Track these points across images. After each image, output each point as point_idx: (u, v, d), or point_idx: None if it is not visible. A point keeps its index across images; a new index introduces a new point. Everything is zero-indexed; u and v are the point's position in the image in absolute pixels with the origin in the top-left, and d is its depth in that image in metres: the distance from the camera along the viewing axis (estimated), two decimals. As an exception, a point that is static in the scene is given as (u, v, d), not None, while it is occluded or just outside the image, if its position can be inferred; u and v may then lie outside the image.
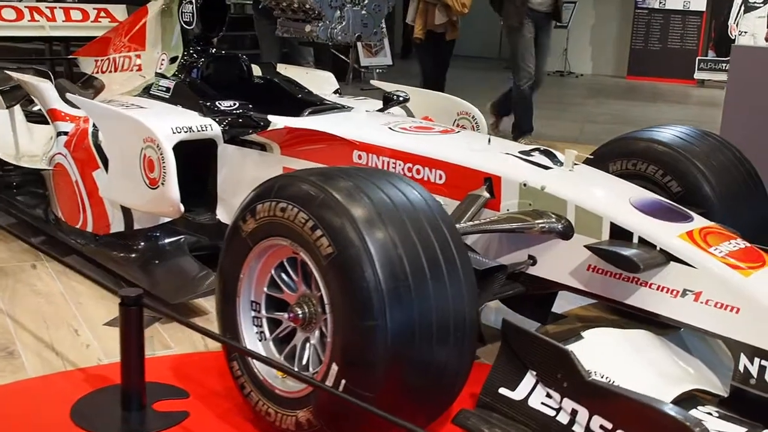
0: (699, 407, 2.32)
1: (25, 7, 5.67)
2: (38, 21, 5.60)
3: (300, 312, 2.34)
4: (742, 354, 2.35)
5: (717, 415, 2.29)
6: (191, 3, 4.13)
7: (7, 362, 2.97)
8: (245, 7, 10.03)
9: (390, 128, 3.29)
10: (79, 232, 3.81)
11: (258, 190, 2.39)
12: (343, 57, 10.21)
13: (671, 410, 1.94)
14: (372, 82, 4.50)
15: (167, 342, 3.15)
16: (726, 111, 4.72)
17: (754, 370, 2.34)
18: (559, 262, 2.72)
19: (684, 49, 13.84)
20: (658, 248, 2.51)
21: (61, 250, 3.99)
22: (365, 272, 2.06)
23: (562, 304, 3.29)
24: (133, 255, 3.60)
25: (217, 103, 3.63)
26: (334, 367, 2.16)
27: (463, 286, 2.19)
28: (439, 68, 7.71)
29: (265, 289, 2.48)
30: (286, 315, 2.38)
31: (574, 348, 2.27)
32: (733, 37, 11.92)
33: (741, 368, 2.35)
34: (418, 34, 7.41)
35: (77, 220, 3.80)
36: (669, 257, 2.50)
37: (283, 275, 2.43)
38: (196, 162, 3.59)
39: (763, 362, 2.31)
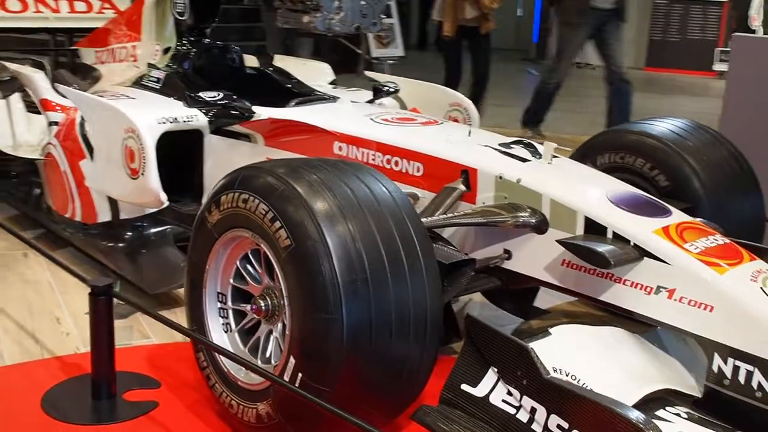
0: (668, 408, 2.26)
1: (31, -2, 5.69)
2: (42, 12, 5.62)
3: (263, 304, 2.33)
4: (715, 354, 2.30)
5: (686, 416, 2.24)
6: (183, -7, 4.12)
7: (-14, 350, 2.99)
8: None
9: (372, 119, 3.26)
10: (68, 221, 3.82)
11: (223, 181, 2.38)
12: (354, 48, 10.16)
13: (626, 412, 1.88)
14: (366, 72, 4.47)
15: (146, 332, 3.15)
16: (726, 103, 4.62)
17: (728, 371, 2.28)
18: (533, 256, 2.68)
19: (704, 40, 13.65)
20: (631, 243, 2.46)
21: (53, 240, 4.01)
22: (322, 265, 2.04)
23: (551, 299, 3.26)
24: (119, 244, 3.60)
25: (200, 93, 3.61)
26: (292, 361, 2.15)
27: (424, 280, 2.16)
28: (479, 65, 7.33)
29: (231, 280, 2.47)
30: (249, 307, 2.37)
31: (540, 345, 2.22)
32: (753, 28, 11.72)
33: (715, 368, 2.30)
34: (449, 31, 7.01)
35: (66, 209, 3.80)
36: (643, 253, 2.44)
37: (249, 267, 2.41)
38: (183, 152, 3.59)
39: (737, 362, 2.25)
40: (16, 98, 4.44)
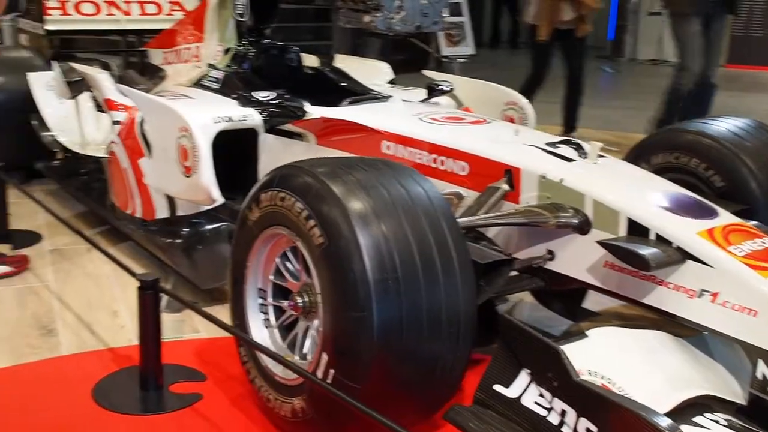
0: (707, 414, 2.21)
1: (104, 1, 5.88)
2: (114, 15, 5.80)
3: (300, 301, 2.36)
4: (760, 360, 2.24)
5: (725, 423, 2.18)
6: (243, -5, 4.20)
7: (45, 340, 3.11)
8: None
9: (420, 119, 3.27)
10: (130, 217, 3.94)
11: (263, 179, 2.43)
12: (424, 46, 10.15)
13: (655, 418, 1.85)
14: (424, 72, 4.47)
15: (196, 326, 3.23)
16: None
17: (772, 377, 2.22)
18: (576, 257, 2.65)
19: (790, 36, 13.20)
20: (674, 245, 2.41)
21: (116, 236, 4.15)
22: (353, 263, 2.06)
23: (603, 301, 3.22)
24: (176, 240, 3.69)
25: (253, 93, 3.68)
26: (324, 357, 2.18)
27: (458, 279, 2.16)
28: (575, 70, 7.04)
29: (271, 277, 2.51)
30: (287, 303, 2.41)
31: (575, 347, 2.21)
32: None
33: (759, 375, 2.23)
34: (544, 35, 6.67)
35: (128, 206, 3.92)
36: (686, 255, 2.39)
37: (288, 264, 2.46)
38: (241, 151, 3.66)
39: (783, 369, 2.20)
40: (84, 98, 4.59)
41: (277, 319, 2.53)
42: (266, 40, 4.30)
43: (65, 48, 5.83)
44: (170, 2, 6.02)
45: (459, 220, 2.51)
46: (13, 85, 4.96)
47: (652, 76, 12.34)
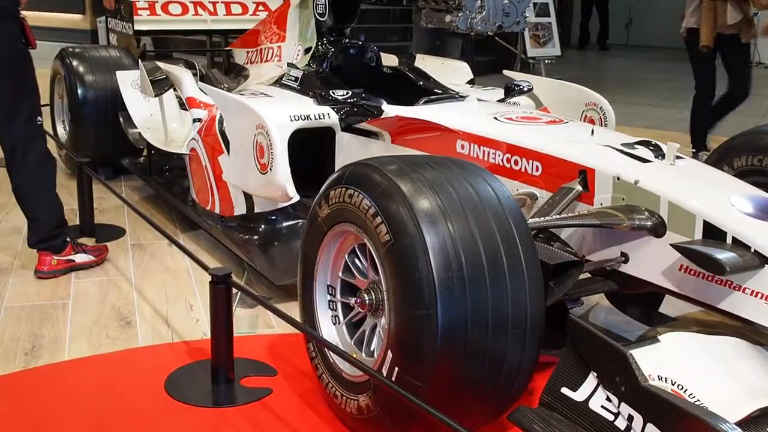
0: (782, 424, 2.14)
1: (191, 2, 6.02)
2: (201, 15, 5.93)
3: (367, 298, 2.37)
4: (843, 372, 2.15)
5: (801, 435, 2.10)
6: (323, -5, 4.25)
7: (123, 331, 3.19)
8: (415, -2, 10.12)
9: (495, 118, 3.24)
10: (209, 213, 4.02)
11: (333, 176, 2.44)
12: (510, 47, 10.08)
13: (722, 426, 1.79)
14: (504, 72, 4.44)
15: (270, 321, 3.27)
16: None
17: None
18: (651, 260, 2.59)
19: None
20: (752, 250, 2.33)
21: (197, 231, 4.24)
22: (418, 262, 2.06)
23: (682, 306, 3.14)
24: (253, 237, 3.75)
25: (331, 92, 3.71)
26: (390, 355, 2.18)
27: (525, 281, 2.13)
28: (742, 79, 6.30)
29: (340, 273, 2.53)
30: (354, 300, 2.42)
31: (645, 352, 2.15)
32: None
33: (842, 387, 2.15)
34: (707, 41, 5.95)
35: (207, 202, 4.00)
36: (764, 260, 2.31)
37: (357, 261, 2.47)
38: (318, 149, 3.70)
39: None
40: (169, 96, 4.70)
41: (345, 315, 2.55)
42: (346, 40, 4.33)
43: (154, 47, 5.99)
44: (255, 2, 6.11)
45: (530, 220, 2.49)
46: (102, 83, 5.11)
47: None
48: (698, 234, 2.45)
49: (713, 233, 2.42)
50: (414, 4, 6.77)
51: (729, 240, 2.38)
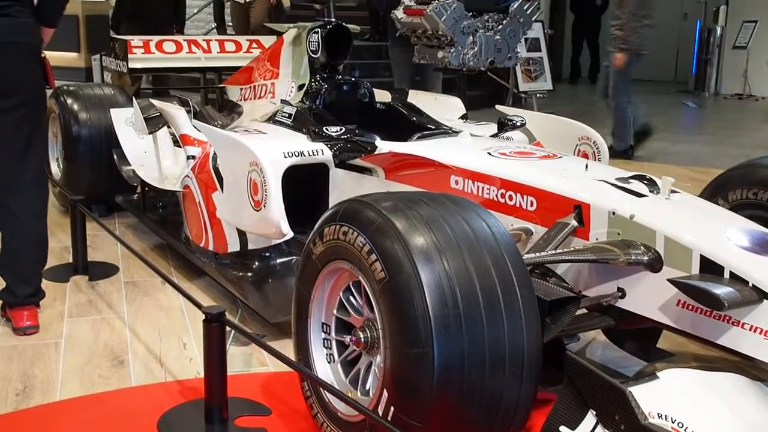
0: (785, 464, 2.11)
1: (184, 40, 6.04)
2: (195, 53, 5.95)
3: (362, 336, 2.35)
4: (843, 405, 2.13)
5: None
6: (317, 32, 4.27)
7: (116, 370, 3.16)
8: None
9: (489, 153, 3.24)
10: (202, 250, 3.99)
11: (327, 213, 2.43)
12: (502, 82, 10.15)
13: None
14: (497, 107, 4.45)
15: (264, 360, 3.23)
16: None
17: None
18: (648, 295, 2.57)
19: None
20: (750, 284, 2.32)
21: (191, 269, 4.22)
22: (414, 299, 2.04)
23: (682, 341, 3.12)
24: (247, 274, 3.72)
25: (324, 128, 3.71)
26: (385, 394, 2.15)
27: (522, 317, 2.12)
28: None
29: (335, 311, 2.51)
30: (349, 338, 2.40)
31: (645, 389, 2.13)
32: None
33: (843, 424, 2.13)
34: None
35: (201, 239, 3.98)
36: (763, 295, 2.30)
37: (351, 298, 2.45)
38: (312, 185, 3.69)
39: None
40: (163, 133, 4.70)
41: (340, 354, 2.52)
42: (339, 76, 4.35)
43: (147, 85, 6.00)
44: (249, 40, 6.14)
45: (526, 256, 2.47)
46: (97, 121, 5.12)
47: (737, 111, 12.05)
48: (695, 269, 2.44)
49: (710, 268, 2.41)
50: (391, 41, 6.76)
51: (726, 274, 2.37)
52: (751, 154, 8.37)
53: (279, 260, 3.74)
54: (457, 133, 3.73)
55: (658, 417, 2.10)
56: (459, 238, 2.15)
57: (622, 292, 2.64)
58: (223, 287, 3.83)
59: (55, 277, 4.15)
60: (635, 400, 2.01)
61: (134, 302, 3.89)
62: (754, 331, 2.32)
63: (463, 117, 4.62)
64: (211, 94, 6.20)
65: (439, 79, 6.38)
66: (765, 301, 2.29)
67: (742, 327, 2.35)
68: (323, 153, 3.62)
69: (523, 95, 10.21)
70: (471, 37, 5.03)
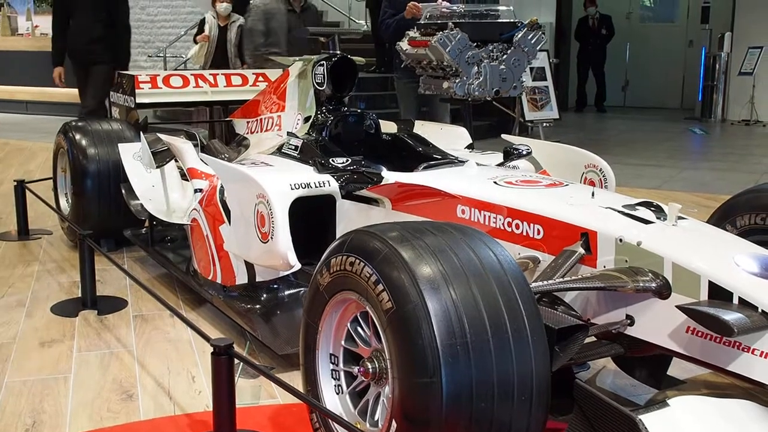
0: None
1: (191, 74, 6.09)
2: (202, 87, 5.99)
3: (371, 366, 2.34)
4: None
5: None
6: (322, 65, 4.30)
7: (125, 404, 3.15)
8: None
9: (495, 182, 3.25)
10: (210, 283, 4.00)
11: (334, 244, 2.44)
12: (508, 111, 10.19)
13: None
14: (503, 136, 4.47)
15: (273, 392, 3.22)
16: None
17: None
18: (656, 322, 2.56)
19: None
20: (759, 310, 2.31)
21: (199, 302, 4.22)
22: (421, 329, 2.04)
23: (692, 368, 3.10)
24: (255, 306, 3.72)
25: (331, 160, 3.73)
26: (394, 424, 2.14)
27: (530, 346, 2.11)
28: None
29: (343, 342, 2.50)
30: (357, 369, 2.39)
31: (655, 416, 2.12)
32: None
33: None
34: None
35: (209, 272, 3.99)
36: (772, 321, 2.29)
37: (359, 329, 2.45)
38: (319, 217, 3.70)
39: None
40: (171, 167, 4.72)
41: (348, 385, 2.52)
42: (345, 108, 4.37)
43: (155, 119, 6.04)
44: (255, 73, 6.19)
45: (533, 284, 2.46)
46: (105, 156, 5.15)
47: (744, 137, 12.05)
48: (704, 295, 2.43)
49: (719, 294, 2.40)
50: (396, 72, 6.78)
51: (735, 300, 2.36)
52: (760, 180, 8.39)
53: (287, 292, 3.74)
54: (463, 162, 3.74)
55: (669, 445, 2.08)
56: (466, 267, 2.15)
57: (630, 320, 2.63)
58: (232, 319, 3.82)
59: (64, 312, 4.16)
60: (646, 428, 2.00)
61: (143, 336, 3.89)
62: (765, 357, 2.30)
63: (469, 147, 4.64)
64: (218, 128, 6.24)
65: (447, 110, 6.40)
66: (775, 327, 2.28)
67: (752, 353, 2.33)
68: (330, 184, 3.63)
69: (529, 124, 10.25)
70: (476, 67, 5.06)
